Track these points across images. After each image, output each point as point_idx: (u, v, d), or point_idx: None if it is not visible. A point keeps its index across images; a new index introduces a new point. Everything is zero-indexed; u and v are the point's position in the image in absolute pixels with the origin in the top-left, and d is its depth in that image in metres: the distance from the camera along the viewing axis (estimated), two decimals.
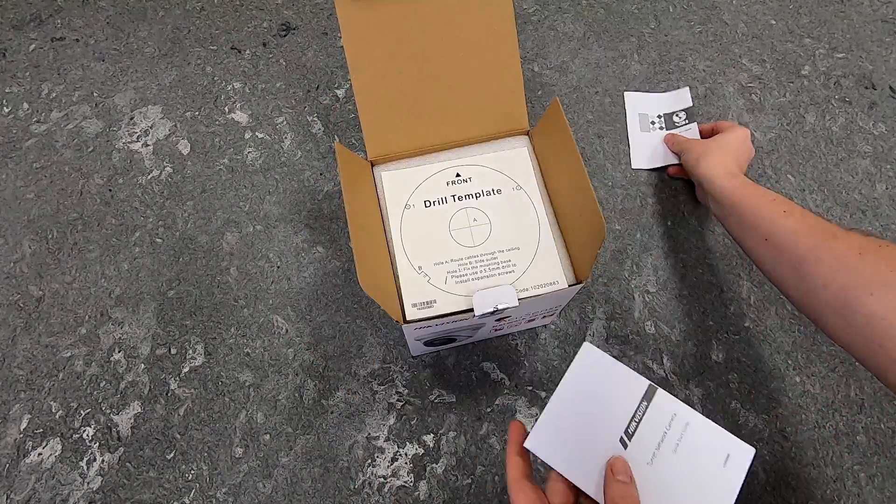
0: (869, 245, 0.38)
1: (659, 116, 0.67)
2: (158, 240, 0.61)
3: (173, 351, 0.55)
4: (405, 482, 0.50)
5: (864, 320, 0.36)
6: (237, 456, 0.51)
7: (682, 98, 0.68)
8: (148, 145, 0.67)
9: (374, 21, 0.45)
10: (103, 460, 0.51)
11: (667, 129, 0.66)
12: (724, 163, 0.52)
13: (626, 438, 0.33)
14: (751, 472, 0.44)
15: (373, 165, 0.50)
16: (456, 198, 0.48)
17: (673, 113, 0.67)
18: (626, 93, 0.69)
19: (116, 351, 0.55)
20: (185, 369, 0.54)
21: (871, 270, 0.36)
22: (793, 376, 0.54)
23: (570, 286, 0.44)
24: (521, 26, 0.74)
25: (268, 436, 0.52)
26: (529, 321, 0.52)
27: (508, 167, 0.49)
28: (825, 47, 0.72)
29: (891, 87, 0.69)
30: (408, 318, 0.43)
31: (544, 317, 0.52)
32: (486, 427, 0.52)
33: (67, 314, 0.57)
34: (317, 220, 0.62)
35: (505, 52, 0.48)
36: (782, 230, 0.43)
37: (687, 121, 0.66)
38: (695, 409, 0.52)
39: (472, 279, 0.44)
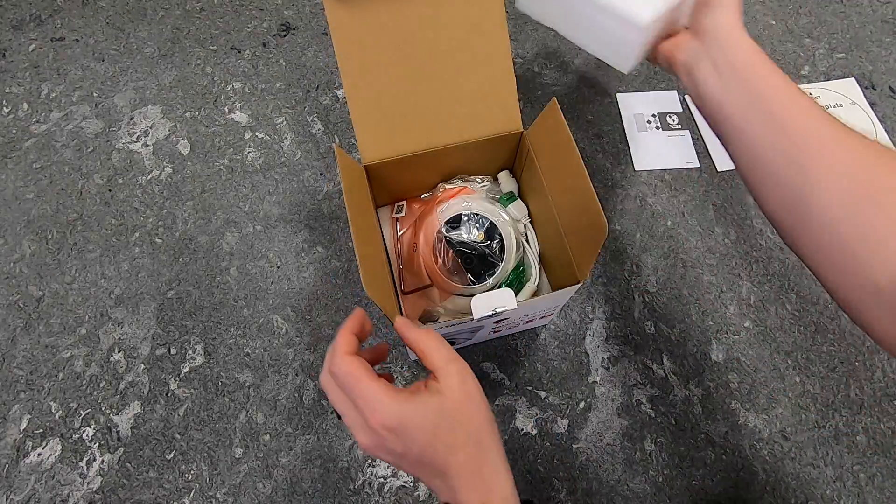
0: None
1: (654, 115, 0.67)
2: (158, 240, 0.61)
3: (173, 351, 0.55)
4: (405, 482, 0.50)
5: None
6: (237, 456, 0.51)
7: (671, 99, 0.68)
8: (148, 145, 0.67)
9: (365, 24, 0.44)
10: (103, 460, 0.51)
11: (662, 130, 0.66)
12: (739, 12, 0.37)
13: None
14: None
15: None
16: None
17: (666, 114, 0.67)
18: (618, 94, 0.69)
19: (116, 351, 0.55)
20: (185, 369, 0.54)
21: None
22: (793, 376, 0.54)
23: (568, 286, 0.44)
24: (521, 26, 0.74)
25: (268, 436, 0.52)
26: (528, 322, 0.52)
27: None
28: (825, 47, 0.72)
29: (891, 87, 0.69)
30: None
31: (543, 317, 0.52)
32: None
33: (67, 314, 0.57)
34: (317, 220, 0.62)
35: (496, 51, 0.48)
36: (797, 111, 0.32)
37: (680, 125, 0.67)
38: (695, 408, 0.52)
39: None
